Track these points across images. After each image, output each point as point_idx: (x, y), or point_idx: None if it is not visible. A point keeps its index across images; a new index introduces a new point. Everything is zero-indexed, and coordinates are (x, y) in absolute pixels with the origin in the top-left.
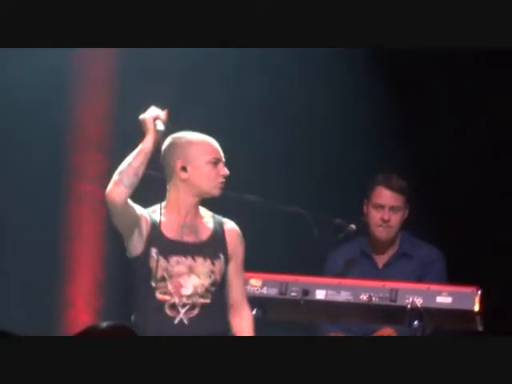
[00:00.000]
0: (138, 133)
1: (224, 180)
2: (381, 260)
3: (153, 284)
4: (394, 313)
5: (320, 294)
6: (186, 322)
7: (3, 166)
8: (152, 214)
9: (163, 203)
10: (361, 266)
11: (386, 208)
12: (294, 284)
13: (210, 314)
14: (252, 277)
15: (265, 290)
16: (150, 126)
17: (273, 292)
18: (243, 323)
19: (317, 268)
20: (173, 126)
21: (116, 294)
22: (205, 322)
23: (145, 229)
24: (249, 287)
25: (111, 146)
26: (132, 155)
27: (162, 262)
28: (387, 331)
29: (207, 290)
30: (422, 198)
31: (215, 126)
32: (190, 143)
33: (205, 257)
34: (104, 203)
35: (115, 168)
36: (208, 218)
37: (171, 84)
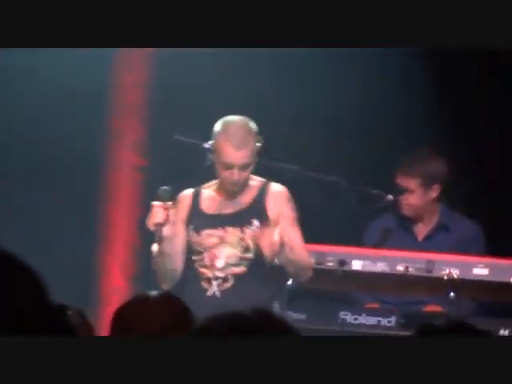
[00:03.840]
0: (176, 101)
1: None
2: (420, 232)
3: (193, 258)
4: (430, 284)
5: (357, 265)
6: (218, 295)
7: (43, 131)
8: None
9: (207, 184)
10: (399, 237)
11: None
12: (331, 254)
13: (244, 286)
14: None
15: None
16: None
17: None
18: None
19: (354, 238)
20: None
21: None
22: (238, 294)
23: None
24: None
25: (149, 113)
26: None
27: (195, 236)
28: (433, 307)
29: (241, 258)
30: (461, 172)
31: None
32: (217, 136)
33: (235, 226)
34: (141, 170)
35: (152, 135)
36: (254, 184)
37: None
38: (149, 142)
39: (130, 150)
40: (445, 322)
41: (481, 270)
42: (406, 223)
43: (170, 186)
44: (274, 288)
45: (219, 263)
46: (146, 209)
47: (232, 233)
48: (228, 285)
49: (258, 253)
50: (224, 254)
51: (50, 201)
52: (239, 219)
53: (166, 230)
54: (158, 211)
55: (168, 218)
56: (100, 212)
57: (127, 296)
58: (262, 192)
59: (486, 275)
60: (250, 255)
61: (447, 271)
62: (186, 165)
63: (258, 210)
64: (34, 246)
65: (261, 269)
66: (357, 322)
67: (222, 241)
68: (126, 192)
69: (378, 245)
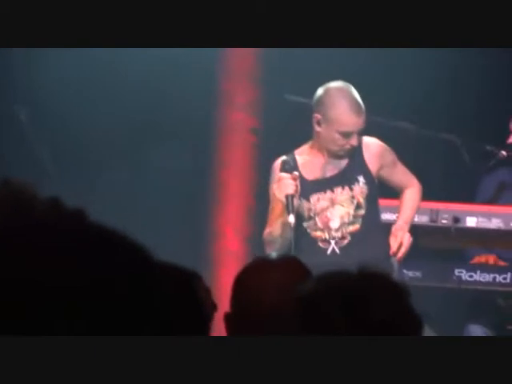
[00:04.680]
0: (286, 64)
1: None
2: None
3: (304, 225)
4: None
5: (471, 221)
6: (337, 251)
7: (156, 96)
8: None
9: (305, 146)
10: None
11: None
12: (445, 211)
13: (361, 241)
14: None
15: (416, 218)
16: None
17: (424, 219)
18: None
19: (468, 195)
20: None
21: (266, 223)
22: (356, 250)
23: None
24: None
25: (261, 76)
26: None
27: (305, 203)
28: None
29: (354, 216)
30: None
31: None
32: (333, 105)
33: (343, 185)
34: (254, 131)
35: (264, 97)
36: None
37: None
38: (260, 103)
39: (242, 111)
40: None
41: None
42: None
43: (290, 156)
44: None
45: (334, 224)
46: (260, 171)
47: (341, 193)
48: (345, 241)
49: (370, 208)
50: (337, 214)
51: (164, 163)
52: (345, 179)
53: (296, 200)
54: (288, 182)
55: (297, 188)
56: (214, 174)
57: (242, 259)
58: (358, 148)
59: None
60: (362, 212)
61: None
62: (297, 126)
63: (359, 166)
64: (150, 209)
65: (375, 224)
66: (472, 279)
67: (333, 202)
68: (239, 154)
69: (492, 201)
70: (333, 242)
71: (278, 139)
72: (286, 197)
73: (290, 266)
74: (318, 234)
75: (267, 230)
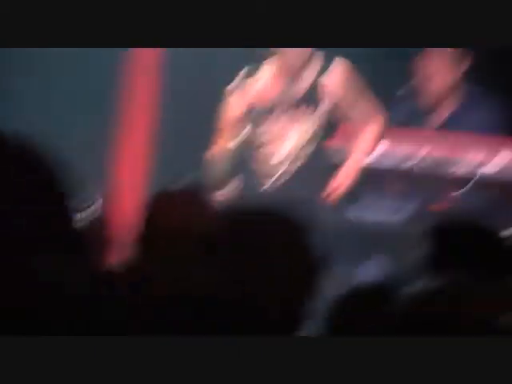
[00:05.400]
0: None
1: None
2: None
3: (246, 153)
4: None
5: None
6: (271, 188)
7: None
8: None
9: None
10: None
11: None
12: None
13: (299, 181)
14: None
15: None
16: None
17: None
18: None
19: None
20: None
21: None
22: (291, 190)
23: None
24: None
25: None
26: None
27: (255, 130)
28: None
29: (300, 151)
30: None
31: None
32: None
33: (304, 108)
34: None
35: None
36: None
37: None
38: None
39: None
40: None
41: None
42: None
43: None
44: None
45: (277, 158)
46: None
47: (301, 119)
48: (283, 179)
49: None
50: (283, 148)
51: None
52: (305, 103)
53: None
54: (236, 101)
55: (249, 110)
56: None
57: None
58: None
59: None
60: (308, 148)
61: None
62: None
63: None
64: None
65: (320, 164)
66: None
67: (286, 131)
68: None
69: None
70: (271, 179)
71: None
72: (234, 118)
73: (193, 200)
74: (259, 166)
75: (210, 152)
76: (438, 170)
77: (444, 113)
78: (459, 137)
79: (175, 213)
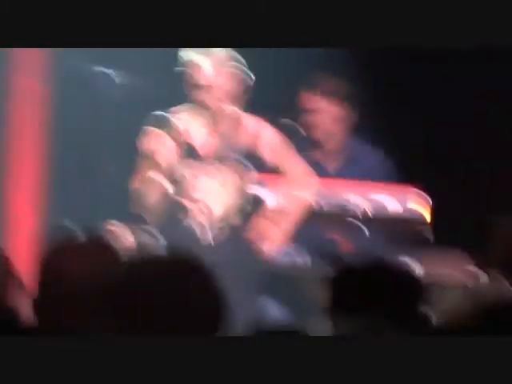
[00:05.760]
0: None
1: None
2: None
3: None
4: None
5: None
6: (212, 243)
7: None
8: None
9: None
10: None
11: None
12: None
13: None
14: None
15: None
16: None
17: None
18: None
19: None
20: None
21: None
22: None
23: None
24: None
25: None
26: None
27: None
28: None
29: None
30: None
31: None
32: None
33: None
34: None
35: None
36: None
37: None
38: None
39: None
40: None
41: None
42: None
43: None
44: None
45: (216, 211)
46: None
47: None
48: (223, 235)
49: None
50: (221, 200)
51: None
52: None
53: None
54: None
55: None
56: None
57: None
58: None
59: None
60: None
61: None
62: None
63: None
64: None
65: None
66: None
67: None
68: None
69: None
70: (211, 232)
71: None
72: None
73: (97, 250)
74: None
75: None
76: (336, 213)
77: (334, 164)
78: (352, 182)
79: (74, 261)
